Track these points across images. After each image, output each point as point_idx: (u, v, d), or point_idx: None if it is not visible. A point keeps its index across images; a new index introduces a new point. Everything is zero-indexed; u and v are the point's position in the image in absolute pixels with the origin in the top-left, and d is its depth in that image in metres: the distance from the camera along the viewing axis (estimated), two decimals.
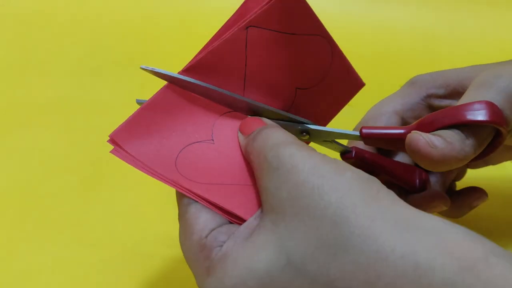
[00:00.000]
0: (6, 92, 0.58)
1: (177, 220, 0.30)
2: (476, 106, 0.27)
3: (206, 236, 0.23)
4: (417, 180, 0.33)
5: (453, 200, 0.34)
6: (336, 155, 0.33)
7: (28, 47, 0.69)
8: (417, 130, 0.28)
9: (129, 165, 0.48)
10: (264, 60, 0.28)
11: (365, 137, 0.30)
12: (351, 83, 0.35)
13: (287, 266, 0.20)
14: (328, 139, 0.31)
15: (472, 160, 0.27)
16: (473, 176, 0.44)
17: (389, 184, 0.32)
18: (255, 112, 0.29)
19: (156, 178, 0.26)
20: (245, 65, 0.28)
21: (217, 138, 0.28)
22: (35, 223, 0.41)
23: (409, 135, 0.27)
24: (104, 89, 0.59)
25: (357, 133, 0.30)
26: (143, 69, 0.27)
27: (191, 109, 0.27)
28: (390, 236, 0.19)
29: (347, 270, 0.19)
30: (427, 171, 0.34)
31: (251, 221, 0.23)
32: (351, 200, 0.20)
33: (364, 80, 0.64)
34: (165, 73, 0.27)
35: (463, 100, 0.29)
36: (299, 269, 0.20)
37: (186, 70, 0.27)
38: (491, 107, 0.27)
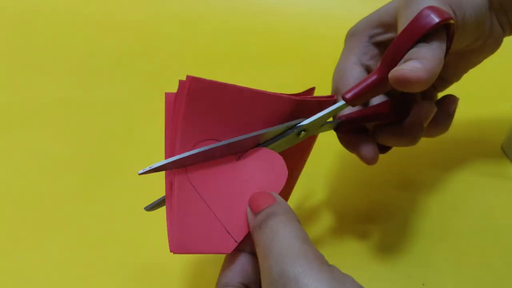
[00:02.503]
0: (6, 92, 0.58)
1: None
2: (423, 14, 0.29)
3: None
4: (400, 108, 0.36)
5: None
6: (332, 134, 0.36)
7: (28, 47, 0.69)
8: (386, 67, 0.30)
9: (128, 166, 0.48)
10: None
11: (350, 100, 0.31)
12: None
13: None
14: (322, 123, 0.32)
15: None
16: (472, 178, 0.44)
17: (384, 125, 0.36)
18: (257, 141, 0.29)
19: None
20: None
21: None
22: (35, 223, 0.41)
23: (390, 74, 0.28)
24: (104, 89, 0.59)
25: (342, 102, 0.31)
26: (141, 174, 0.27)
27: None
28: None
29: None
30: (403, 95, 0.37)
31: None
32: None
33: None
34: (161, 164, 0.26)
35: (403, 21, 0.30)
36: None
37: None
38: (435, 9, 0.29)
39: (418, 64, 0.28)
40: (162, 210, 0.40)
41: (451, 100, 0.37)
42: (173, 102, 0.28)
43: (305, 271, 0.21)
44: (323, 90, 0.61)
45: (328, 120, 0.33)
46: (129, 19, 0.74)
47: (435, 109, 0.34)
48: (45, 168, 0.46)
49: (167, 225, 0.27)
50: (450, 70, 0.38)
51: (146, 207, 0.31)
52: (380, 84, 0.31)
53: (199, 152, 0.27)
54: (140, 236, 0.40)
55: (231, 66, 0.65)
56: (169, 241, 0.26)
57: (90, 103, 0.56)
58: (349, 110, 0.35)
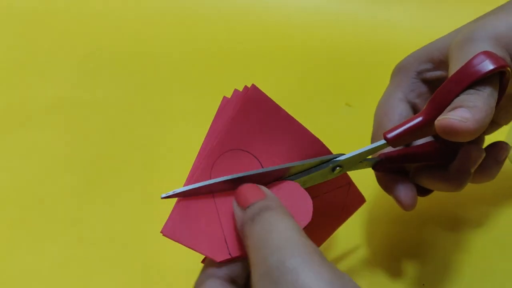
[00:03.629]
0: (6, 92, 0.58)
1: None
2: (477, 59, 0.27)
3: None
4: (446, 150, 0.33)
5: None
6: (369, 171, 0.33)
7: (28, 47, 0.69)
8: (433, 110, 0.28)
9: (128, 166, 0.48)
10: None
11: (391, 140, 0.30)
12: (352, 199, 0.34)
13: None
14: (359, 161, 0.31)
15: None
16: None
17: (426, 167, 0.34)
18: (284, 174, 0.28)
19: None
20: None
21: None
22: (34, 223, 0.41)
23: (437, 122, 0.27)
24: (104, 89, 0.59)
25: (382, 141, 0.30)
26: (164, 198, 0.26)
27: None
28: None
29: None
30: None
31: None
32: None
33: (363, 80, 0.64)
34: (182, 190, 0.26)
35: (455, 63, 0.29)
36: None
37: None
38: (490, 54, 0.27)
39: (467, 113, 0.26)
40: (162, 210, 0.41)
41: (502, 147, 0.34)
42: (223, 107, 0.30)
43: (306, 262, 0.20)
44: (324, 89, 0.61)
45: (367, 158, 0.32)
46: (129, 19, 0.74)
47: (483, 155, 0.32)
48: (45, 168, 0.46)
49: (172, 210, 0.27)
50: (501, 113, 0.35)
51: (164, 195, 0.28)
52: (426, 127, 0.29)
53: (227, 180, 0.26)
54: (141, 236, 0.40)
55: (231, 66, 0.65)
56: (165, 223, 0.26)
57: (90, 103, 0.56)
58: (389, 148, 0.32)
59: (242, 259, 0.25)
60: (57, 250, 0.38)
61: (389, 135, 0.29)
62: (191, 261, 0.37)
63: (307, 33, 0.71)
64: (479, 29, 0.29)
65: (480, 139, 0.36)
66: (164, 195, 0.26)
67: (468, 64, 0.28)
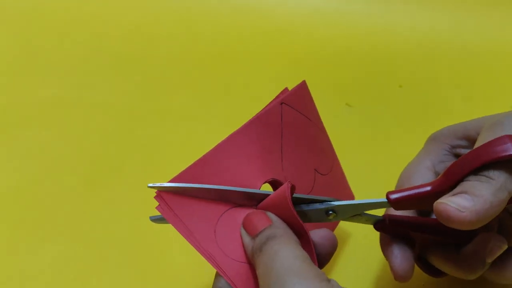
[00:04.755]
0: (6, 92, 0.58)
1: None
2: (499, 141, 0.26)
3: None
4: (461, 230, 0.29)
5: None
6: (369, 227, 0.32)
7: (28, 47, 0.69)
8: (444, 183, 0.27)
9: (128, 166, 0.48)
10: (293, 138, 0.31)
11: (393, 202, 0.28)
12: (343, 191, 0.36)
13: None
14: (356, 213, 0.30)
15: None
16: None
17: (435, 243, 0.31)
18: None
19: (193, 246, 0.27)
20: (281, 137, 0.30)
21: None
22: (34, 223, 0.41)
23: (434, 204, 0.26)
24: (104, 89, 0.59)
25: (385, 199, 0.28)
26: (150, 187, 0.27)
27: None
28: None
29: None
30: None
31: None
32: None
33: (363, 79, 0.64)
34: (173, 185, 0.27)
35: (480, 142, 0.28)
36: None
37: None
38: None
39: (467, 202, 0.25)
40: (157, 212, 0.40)
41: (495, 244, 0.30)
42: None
43: (302, 284, 0.22)
44: (324, 89, 0.61)
45: (369, 213, 0.30)
46: (129, 19, 0.74)
47: (504, 247, 0.29)
48: (45, 168, 0.46)
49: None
50: None
51: (152, 217, 0.30)
52: (433, 198, 0.27)
53: (218, 189, 0.27)
54: (141, 236, 0.40)
55: (231, 66, 0.65)
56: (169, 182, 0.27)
57: (90, 103, 0.56)
58: (401, 212, 0.31)
59: None
60: (56, 250, 0.38)
61: (392, 196, 0.28)
62: (191, 262, 0.37)
63: (307, 33, 0.71)
64: (510, 116, 0.29)
65: (508, 226, 0.32)
66: (150, 185, 0.27)
67: (489, 143, 0.26)
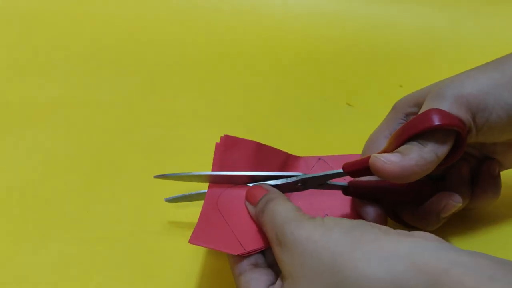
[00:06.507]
0: (6, 92, 0.58)
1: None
2: (425, 115, 0.30)
3: None
4: (417, 191, 0.35)
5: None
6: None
7: (28, 46, 0.69)
8: (387, 149, 0.32)
9: (129, 165, 0.48)
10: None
11: (348, 172, 0.33)
12: None
13: None
14: (321, 182, 0.35)
15: (442, 164, 0.31)
16: None
17: (398, 203, 0.37)
18: (255, 179, 0.35)
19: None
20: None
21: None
22: (36, 221, 0.41)
23: (369, 160, 0.31)
24: (105, 88, 0.59)
25: (341, 170, 0.34)
26: (156, 177, 0.35)
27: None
28: (375, 269, 0.24)
29: None
30: (435, 177, 0.36)
31: (278, 283, 0.29)
32: (339, 252, 0.25)
33: (363, 79, 0.64)
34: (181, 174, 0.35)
35: (422, 110, 0.32)
36: None
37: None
38: (438, 112, 0.30)
39: (394, 158, 0.30)
40: (162, 209, 0.41)
41: (492, 163, 0.36)
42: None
43: (298, 226, 0.28)
44: (324, 89, 0.62)
45: (336, 183, 0.36)
46: (130, 19, 0.74)
47: (457, 205, 0.33)
48: (46, 167, 0.46)
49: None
50: (508, 159, 0.37)
51: (167, 198, 0.38)
52: None
53: (227, 175, 0.35)
54: (141, 235, 0.40)
55: (231, 66, 0.65)
56: (191, 235, 0.31)
57: (90, 103, 0.56)
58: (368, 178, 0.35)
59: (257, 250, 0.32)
60: (58, 248, 0.38)
61: (346, 167, 0.33)
62: (191, 261, 0.37)
63: (307, 33, 0.71)
64: (448, 87, 0.32)
65: (462, 190, 0.36)
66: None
67: (417, 117, 0.31)
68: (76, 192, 0.44)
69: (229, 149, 0.36)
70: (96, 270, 0.37)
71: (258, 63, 0.65)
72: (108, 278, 0.36)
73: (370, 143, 0.37)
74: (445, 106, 0.31)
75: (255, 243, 0.31)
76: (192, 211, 0.37)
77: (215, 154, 0.36)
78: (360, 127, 0.54)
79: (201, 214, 0.33)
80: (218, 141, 0.37)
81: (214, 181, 0.35)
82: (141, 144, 0.50)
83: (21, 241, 0.39)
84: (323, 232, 0.27)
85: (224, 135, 0.36)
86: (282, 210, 0.30)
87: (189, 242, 0.30)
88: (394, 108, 0.37)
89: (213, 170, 0.35)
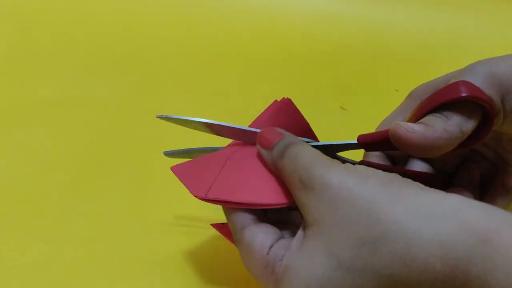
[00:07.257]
0: (4, 91, 0.58)
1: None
2: (452, 85, 0.28)
3: (268, 253, 0.27)
4: (429, 184, 0.33)
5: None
6: None
7: (28, 46, 0.69)
8: (409, 121, 0.29)
9: (122, 165, 0.48)
10: None
11: (362, 143, 0.31)
12: None
13: (338, 267, 0.24)
14: (331, 153, 0.32)
15: (463, 145, 0.29)
16: None
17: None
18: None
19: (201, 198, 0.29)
20: None
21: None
22: (23, 220, 0.41)
23: (390, 127, 0.28)
24: (102, 88, 0.59)
25: (355, 141, 0.31)
26: (159, 117, 0.32)
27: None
28: (417, 225, 0.22)
29: (388, 260, 0.22)
30: (445, 175, 0.35)
31: (299, 233, 0.27)
32: (378, 203, 0.23)
33: (358, 82, 0.64)
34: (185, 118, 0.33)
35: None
36: (348, 266, 0.23)
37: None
38: (466, 84, 0.28)
39: (418, 127, 0.28)
40: (151, 209, 0.40)
41: (508, 175, 0.34)
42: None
43: (328, 169, 0.25)
44: (318, 92, 0.61)
45: (347, 159, 0.33)
46: (129, 19, 0.74)
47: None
48: (34, 166, 0.46)
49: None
50: None
51: (166, 152, 0.35)
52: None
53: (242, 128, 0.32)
54: (131, 236, 0.39)
55: (229, 67, 0.65)
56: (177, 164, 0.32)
57: (88, 102, 0.56)
58: (379, 159, 0.35)
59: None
60: (44, 249, 0.38)
61: (360, 136, 0.31)
62: (186, 259, 0.37)
63: (302, 35, 0.71)
64: (479, 64, 0.30)
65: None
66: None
67: (446, 88, 0.29)
68: (63, 191, 0.44)
69: (283, 113, 0.33)
70: (83, 270, 0.37)
71: (253, 66, 0.65)
72: (95, 277, 0.36)
73: (384, 127, 0.35)
74: (476, 81, 0.29)
75: (253, 197, 0.29)
76: (178, 214, 0.37)
77: (264, 111, 0.33)
78: (352, 131, 0.54)
79: (200, 158, 0.32)
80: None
81: (227, 134, 0.32)
82: (135, 143, 0.50)
83: (5, 240, 0.39)
84: (358, 180, 0.24)
85: (288, 99, 0.33)
86: (307, 153, 0.27)
87: (170, 168, 0.30)
88: (410, 95, 0.36)
89: (251, 125, 0.32)
